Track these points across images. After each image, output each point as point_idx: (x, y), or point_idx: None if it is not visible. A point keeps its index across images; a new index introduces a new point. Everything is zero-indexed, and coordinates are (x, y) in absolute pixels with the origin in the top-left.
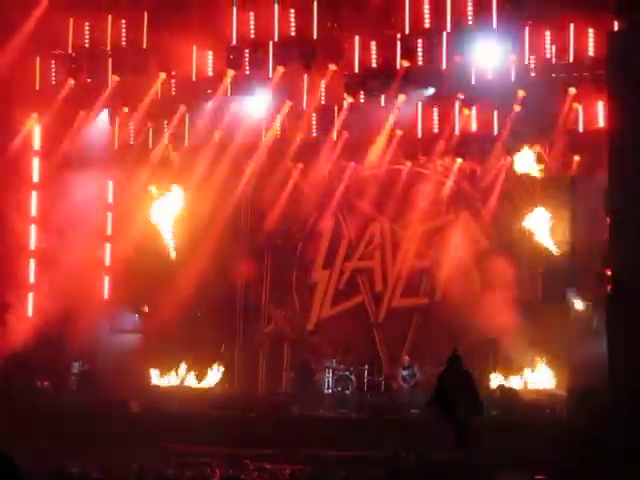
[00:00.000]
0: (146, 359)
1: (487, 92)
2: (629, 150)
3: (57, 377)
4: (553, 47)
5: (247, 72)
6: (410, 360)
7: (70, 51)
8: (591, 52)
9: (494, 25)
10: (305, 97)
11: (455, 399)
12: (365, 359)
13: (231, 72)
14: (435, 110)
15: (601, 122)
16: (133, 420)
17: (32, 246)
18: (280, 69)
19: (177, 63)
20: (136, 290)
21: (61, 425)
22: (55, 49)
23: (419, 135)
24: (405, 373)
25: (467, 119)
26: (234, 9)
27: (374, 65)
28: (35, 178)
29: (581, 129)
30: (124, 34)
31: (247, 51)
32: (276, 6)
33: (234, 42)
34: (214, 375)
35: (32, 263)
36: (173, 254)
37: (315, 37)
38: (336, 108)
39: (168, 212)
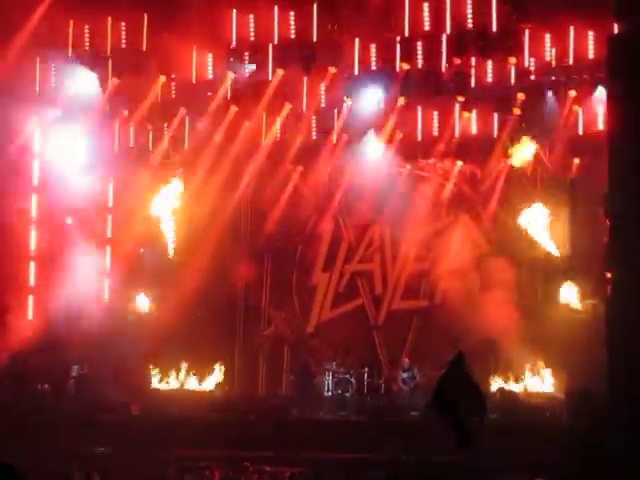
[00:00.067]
0: (146, 362)
1: (487, 95)
2: (629, 152)
3: (57, 380)
4: (553, 50)
5: (247, 74)
6: (410, 362)
7: (70, 53)
8: (591, 55)
9: (494, 28)
10: (305, 99)
11: (457, 399)
12: (365, 362)
13: (231, 75)
14: (435, 113)
15: (601, 125)
16: (133, 423)
17: (32, 248)
18: (280, 71)
19: (177, 65)
20: (136, 292)
21: (60, 429)
22: (55, 51)
23: (419, 138)
24: (405, 375)
25: (467, 122)
26: (234, 11)
27: (374, 68)
28: (35, 181)
29: (581, 132)
30: (124, 36)
31: (247, 53)
32: (276, 8)
33: (234, 44)
34: (214, 377)
35: (32, 265)
36: (173, 256)
37: (315, 39)
38: (336, 111)
39: (168, 204)
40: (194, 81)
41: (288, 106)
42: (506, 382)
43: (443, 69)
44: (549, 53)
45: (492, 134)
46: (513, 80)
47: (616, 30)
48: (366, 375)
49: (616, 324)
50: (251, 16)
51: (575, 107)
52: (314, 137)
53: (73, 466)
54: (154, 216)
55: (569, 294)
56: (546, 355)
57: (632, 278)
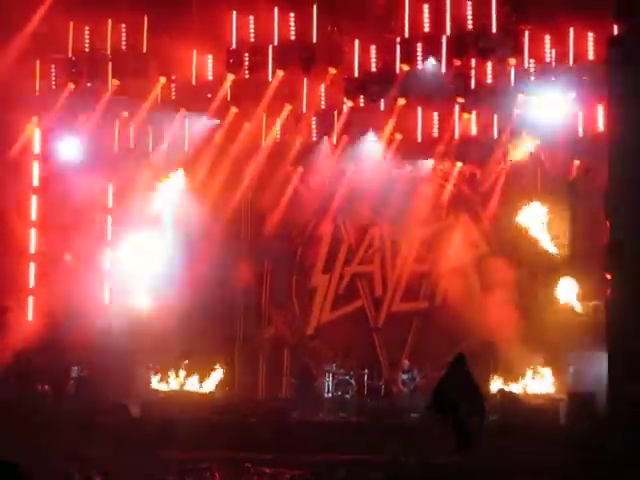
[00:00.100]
0: (146, 363)
1: (487, 96)
2: (629, 153)
3: (57, 381)
4: (553, 51)
5: (247, 76)
6: (410, 364)
7: (70, 55)
8: (591, 56)
9: (494, 29)
10: (305, 101)
11: (457, 399)
12: (365, 363)
13: (231, 76)
14: (435, 114)
15: (601, 125)
16: (133, 424)
17: (32, 250)
18: (280, 73)
19: (177, 67)
20: (136, 294)
21: (60, 430)
22: (55, 53)
23: (419, 139)
24: (405, 377)
25: (467, 123)
26: (234, 13)
27: (374, 69)
28: (35, 182)
29: (581, 133)
30: (124, 38)
31: (247, 55)
32: (276, 10)
33: (234, 46)
34: (214, 379)
35: (32, 267)
36: (174, 257)
37: (315, 41)
38: (336, 112)
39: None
40: (194, 82)
41: (288, 107)
42: (506, 383)
43: (443, 70)
44: (549, 54)
45: (492, 135)
46: (513, 81)
47: (616, 31)
48: (366, 377)
49: (616, 324)
50: (251, 17)
51: (575, 108)
52: (314, 138)
53: (73, 468)
54: (157, 216)
55: (569, 294)
56: (546, 356)
57: (632, 278)
